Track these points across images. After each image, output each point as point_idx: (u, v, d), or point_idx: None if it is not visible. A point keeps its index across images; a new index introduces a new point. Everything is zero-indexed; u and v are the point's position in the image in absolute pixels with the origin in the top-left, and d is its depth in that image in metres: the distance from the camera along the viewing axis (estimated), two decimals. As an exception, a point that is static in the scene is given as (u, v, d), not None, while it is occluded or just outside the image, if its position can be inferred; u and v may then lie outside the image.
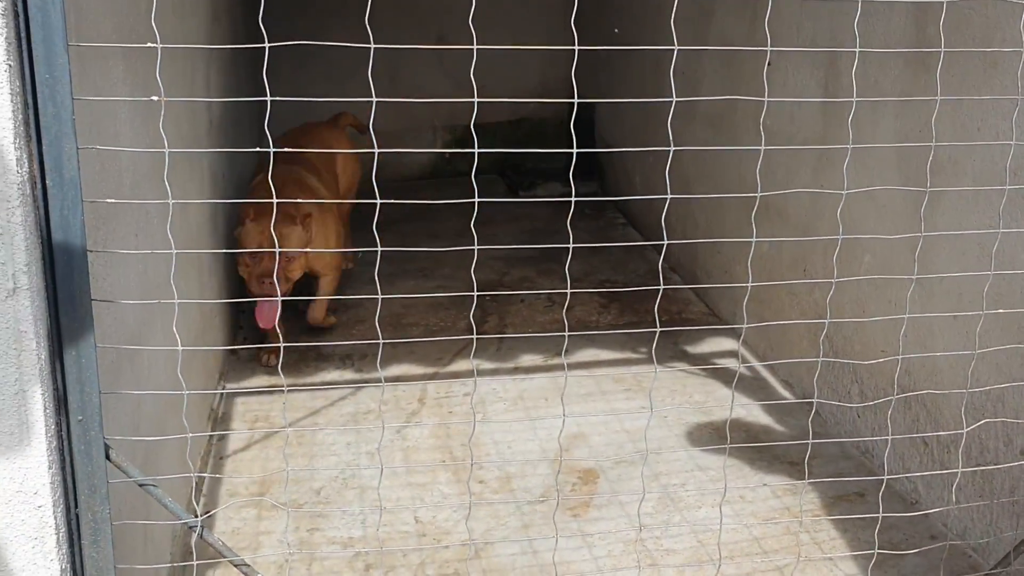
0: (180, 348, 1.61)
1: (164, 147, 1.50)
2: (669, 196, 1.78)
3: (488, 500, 2.89)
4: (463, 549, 2.65)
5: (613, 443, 3.21)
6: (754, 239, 1.80)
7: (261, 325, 3.58)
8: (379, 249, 1.61)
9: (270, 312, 3.54)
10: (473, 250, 1.71)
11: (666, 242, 1.81)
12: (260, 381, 3.69)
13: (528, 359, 3.82)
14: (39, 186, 1.45)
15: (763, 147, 1.75)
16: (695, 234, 4.38)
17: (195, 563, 1.70)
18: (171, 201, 1.51)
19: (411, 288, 4.61)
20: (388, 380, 3.69)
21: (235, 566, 1.70)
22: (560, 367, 3.82)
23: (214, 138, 3.69)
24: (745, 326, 3.68)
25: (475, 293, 1.64)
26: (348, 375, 3.68)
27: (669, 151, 1.67)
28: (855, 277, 2.96)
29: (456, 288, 4.64)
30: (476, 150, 1.58)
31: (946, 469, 2.62)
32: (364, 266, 4.66)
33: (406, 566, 2.57)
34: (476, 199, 1.64)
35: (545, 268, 4.88)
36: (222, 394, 3.51)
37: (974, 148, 2.46)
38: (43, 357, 1.48)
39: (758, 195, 1.77)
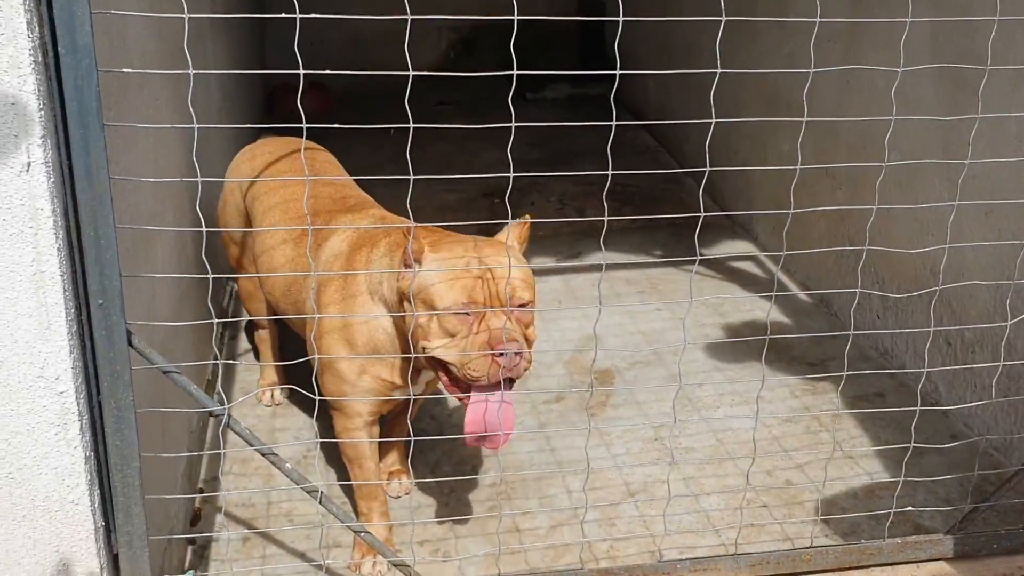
0: (205, 230, 1.54)
1: (184, 11, 1.40)
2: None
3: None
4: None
5: (629, 345, 3.18)
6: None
7: (493, 446, 1.95)
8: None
9: (509, 417, 1.92)
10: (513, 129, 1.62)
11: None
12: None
13: (539, 261, 3.76)
14: (51, 53, 1.36)
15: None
16: (711, 141, 4.27)
17: (223, 451, 1.65)
18: (191, 71, 1.42)
19: (419, 192, 4.51)
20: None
21: (262, 455, 1.67)
22: (573, 269, 3.77)
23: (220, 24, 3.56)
24: (763, 213, 3.62)
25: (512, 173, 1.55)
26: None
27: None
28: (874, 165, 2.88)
29: (465, 190, 4.56)
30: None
31: (969, 366, 2.58)
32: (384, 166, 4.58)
33: (424, 463, 2.55)
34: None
35: (557, 170, 4.79)
36: (230, 294, 3.46)
37: (1016, 38, 2.36)
38: (61, 237, 1.41)
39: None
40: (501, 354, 1.80)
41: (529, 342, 1.90)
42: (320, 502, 1.68)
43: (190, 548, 2.21)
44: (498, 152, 5.05)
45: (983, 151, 2.50)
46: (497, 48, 6.46)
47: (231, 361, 2.99)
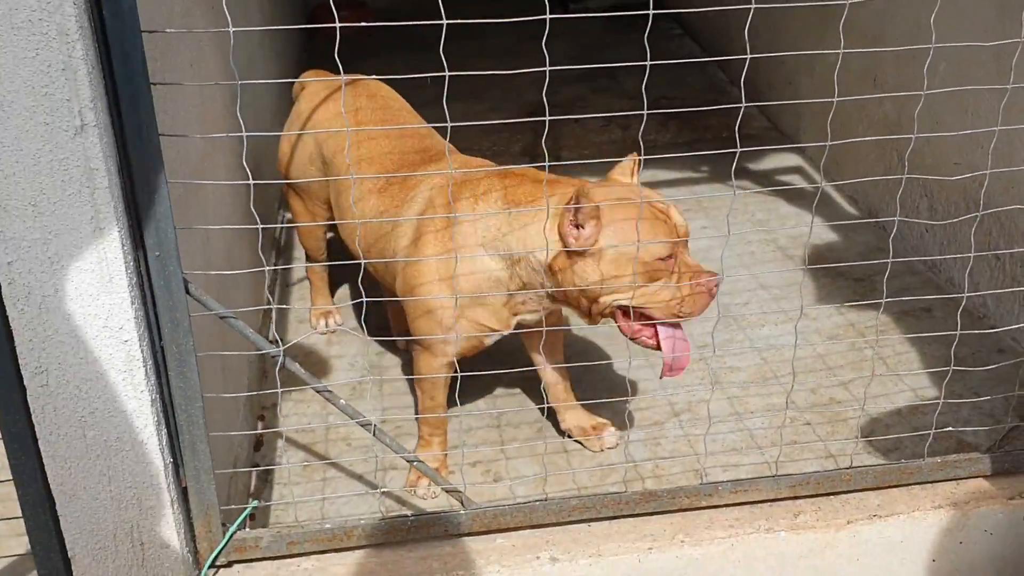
0: (252, 183, 1.59)
1: (219, -29, 1.42)
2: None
3: (551, 322, 2.92)
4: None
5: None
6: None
7: (680, 373, 2.09)
8: (446, 73, 1.54)
9: (688, 343, 2.09)
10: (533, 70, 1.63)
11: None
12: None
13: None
14: (96, 18, 1.40)
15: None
16: (757, 45, 4.18)
17: (279, 390, 1.74)
18: (231, 29, 1.45)
19: (462, 111, 4.51)
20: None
21: (317, 392, 1.75)
22: (617, 188, 3.77)
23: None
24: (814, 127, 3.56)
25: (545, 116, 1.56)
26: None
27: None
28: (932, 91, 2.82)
29: (508, 109, 4.55)
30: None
31: (1019, 285, 2.57)
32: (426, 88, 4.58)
33: (475, 386, 2.63)
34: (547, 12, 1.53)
35: (599, 86, 4.74)
36: (282, 226, 3.53)
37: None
38: (116, 195, 1.47)
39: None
40: (716, 285, 1.99)
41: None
42: (374, 435, 1.76)
43: (254, 474, 2.34)
44: (541, 68, 5.02)
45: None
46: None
47: (284, 306, 3.07)
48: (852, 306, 2.91)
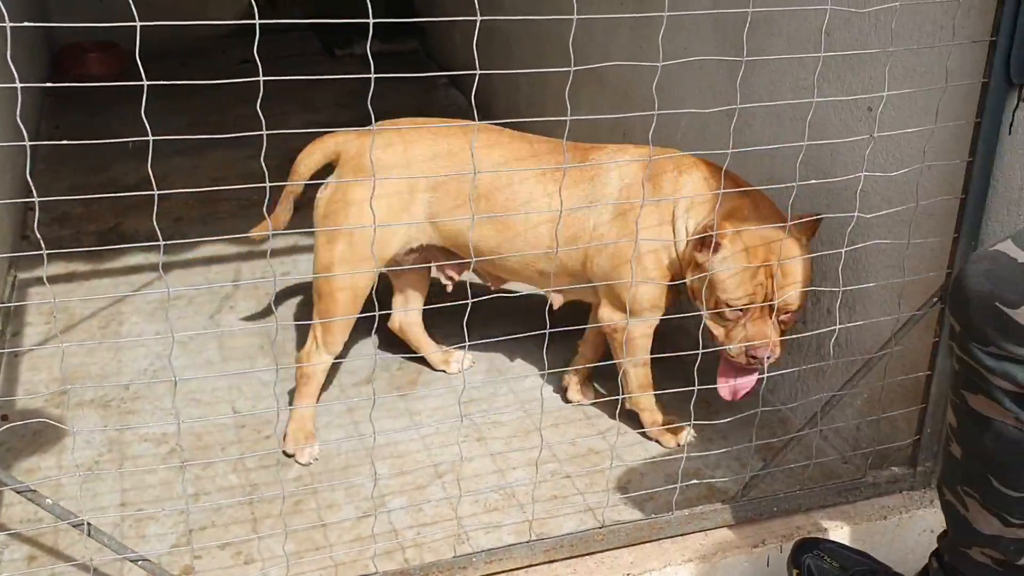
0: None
1: None
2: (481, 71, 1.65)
3: (311, 385, 2.80)
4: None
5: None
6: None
7: (726, 397, 2.31)
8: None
9: (740, 387, 2.29)
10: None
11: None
12: (57, 269, 3.41)
13: (350, 232, 3.68)
14: None
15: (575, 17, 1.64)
16: (517, 98, 4.26)
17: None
18: None
19: (221, 159, 4.33)
20: (199, 262, 3.48)
21: (18, 493, 1.56)
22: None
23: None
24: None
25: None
26: (153, 259, 3.45)
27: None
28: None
29: (272, 157, 4.38)
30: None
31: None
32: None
33: (225, 460, 2.47)
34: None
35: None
36: (13, 285, 3.23)
37: (789, 7, 2.43)
38: None
39: (571, 69, 1.67)
40: (754, 357, 2.17)
41: (784, 332, 2.22)
42: (88, 534, 1.59)
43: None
44: (307, 114, 4.93)
45: (762, 122, 2.59)
46: (302, 2, 6.22)
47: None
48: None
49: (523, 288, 3.01)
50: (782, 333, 2.21)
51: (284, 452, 2.50)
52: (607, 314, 2.44)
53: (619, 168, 2.37)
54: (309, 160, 2.52)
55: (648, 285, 2.33)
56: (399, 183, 2.40)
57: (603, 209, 2.35)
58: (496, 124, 2.55)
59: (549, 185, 2.40)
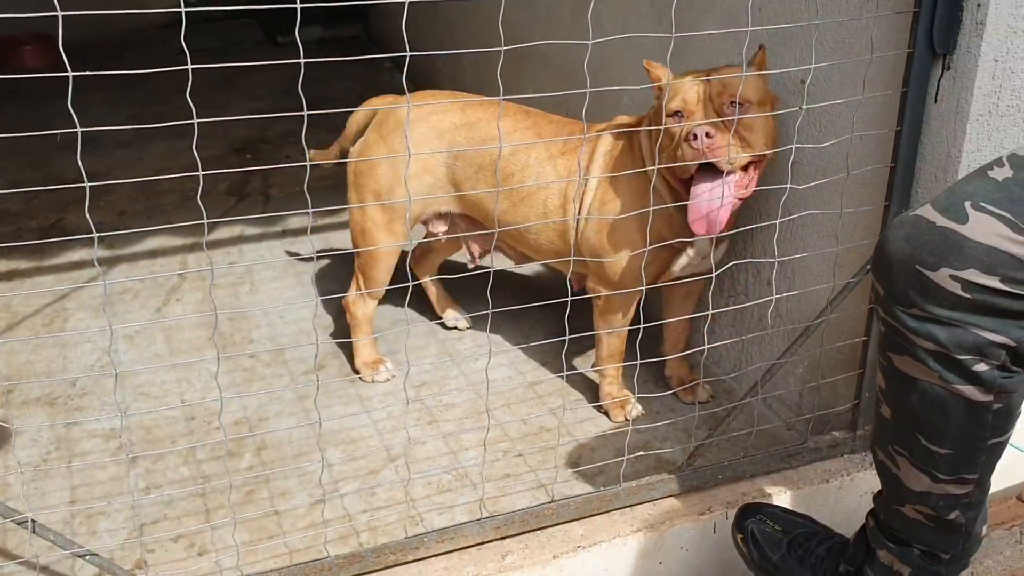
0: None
1: None
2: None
3: (260, 375, 2.79)
4: (236, 428, 2.56)
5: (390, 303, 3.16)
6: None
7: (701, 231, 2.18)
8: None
9: (711, 212, 2.14)
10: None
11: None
12: (-3, 267, 3.36)
13: (297, 221, 3.67)
14: None
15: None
16: (463, 79, 4.26)
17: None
18: None
19: (163, 151, 4.28)
20: (143, 255, 3.45)
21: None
22: (332, 226, 3.70)
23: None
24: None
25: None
26: (98, 253, 3.41)
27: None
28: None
29: (214, 147, 4.35)
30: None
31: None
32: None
33: (176, 453, 2.46)
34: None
35: (311, 120, 4.62)
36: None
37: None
38: None
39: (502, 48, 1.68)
40: (694, 136, 2.08)
41: (747, 142, 2.12)
42: (33, 531, 1.58)
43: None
44: (248, 103, 4.87)
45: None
46: (243, -12, 6.13)
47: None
48: (561, 331, 2.99)
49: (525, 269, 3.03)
50: (744, 141, 2.12)
51: (361, 379, 2.79)
52: (592, 283, 2.50)
53: (602, 139, 2.45)
54: (352, 122, 2.75)
55: (627, 255, 2.37)
56: (423, 147, 2.56)
57: (591, 181, 2.42)
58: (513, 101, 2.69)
59: (556, 160, 2.49)
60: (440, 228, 2.73)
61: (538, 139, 2.52)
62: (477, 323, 3.05)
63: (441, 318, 3.02)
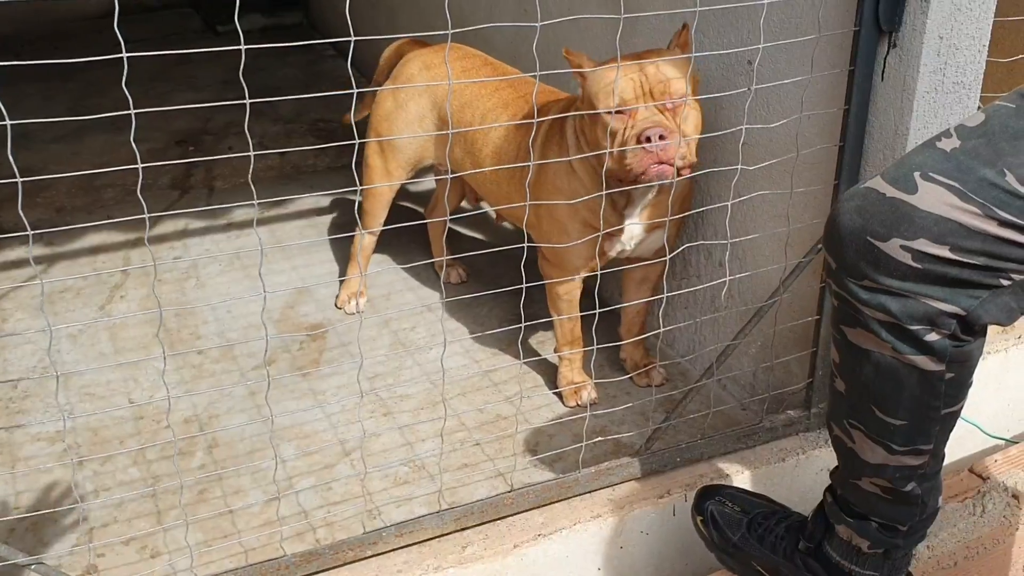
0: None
1: None
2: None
3: (209, 371, 2.73)
4: (186, 427, 2.50)
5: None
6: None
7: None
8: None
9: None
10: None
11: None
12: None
13: (242, 213, 3.59)
14: None
15: None
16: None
17: None
18: None
19: (101, 145, 4.17)
20: (85, 252, 3.36)
21: None
22: (278, 218, 3.63)
23: None
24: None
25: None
26: (37, 251, 3.31)
27: None
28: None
29: (154, 140, 4.25)
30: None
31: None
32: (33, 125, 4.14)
33: (125, 454, 2.40)
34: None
35: (253, 109, 4.54)
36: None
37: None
38: None
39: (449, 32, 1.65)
40: (648, 139, 1.98)
41: (684, 133, 2.05)
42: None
43: None
44: (189, 94, 4.77)
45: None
46: (180, -24, 6.00)
47: None
48: (516, 316, 2.97)
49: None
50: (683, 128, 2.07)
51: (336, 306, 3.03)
52: (540, 261, 2.52)
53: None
54: (384, 63, 3.00)
55: (558, 236, 2.35)
56: (419, 101, 2.75)
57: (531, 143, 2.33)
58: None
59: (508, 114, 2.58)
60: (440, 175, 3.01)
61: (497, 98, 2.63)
62: (430, 312, 3.01)
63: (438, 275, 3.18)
